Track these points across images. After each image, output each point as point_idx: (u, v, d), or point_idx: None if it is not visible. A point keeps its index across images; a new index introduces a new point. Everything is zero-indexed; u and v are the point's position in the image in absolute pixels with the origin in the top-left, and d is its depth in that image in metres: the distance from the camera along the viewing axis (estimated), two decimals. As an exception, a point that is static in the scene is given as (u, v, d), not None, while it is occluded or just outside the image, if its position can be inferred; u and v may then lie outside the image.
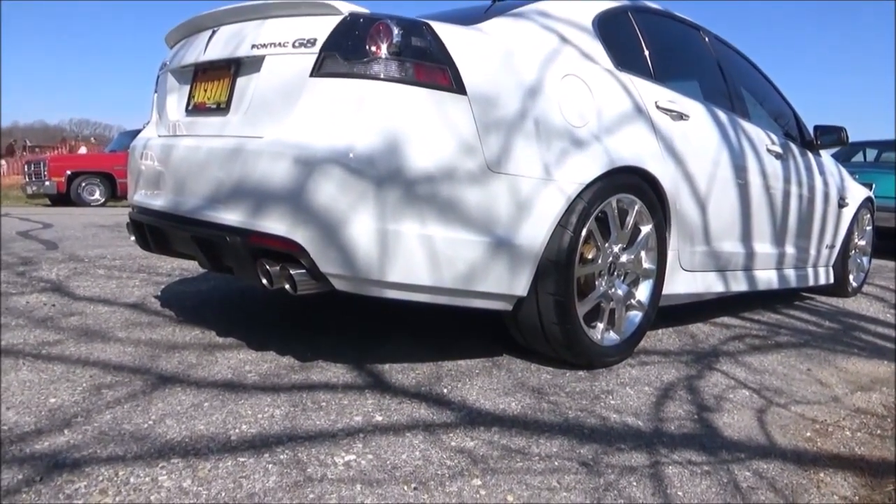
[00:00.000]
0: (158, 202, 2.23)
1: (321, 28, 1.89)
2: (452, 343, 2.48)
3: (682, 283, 2.73)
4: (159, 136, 2.46)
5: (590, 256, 2.28)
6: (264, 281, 1.91)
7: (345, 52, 1.84)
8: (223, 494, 1.32)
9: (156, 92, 2.63)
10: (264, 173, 1.85)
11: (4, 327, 2.37)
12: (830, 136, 3.67)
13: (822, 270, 3.99)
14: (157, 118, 2.55)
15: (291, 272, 1.83)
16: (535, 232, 2.04)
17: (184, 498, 1.30)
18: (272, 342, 2.32)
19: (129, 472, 1.38)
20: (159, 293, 3.05)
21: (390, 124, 1.80)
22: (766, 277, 3.36)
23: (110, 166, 12.61)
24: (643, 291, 2.50)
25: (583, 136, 2.16)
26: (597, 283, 2.30)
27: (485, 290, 2.01)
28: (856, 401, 2.25)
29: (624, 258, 2.38)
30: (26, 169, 12.93)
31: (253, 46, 2.03)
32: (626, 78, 2.43)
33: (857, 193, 4.23)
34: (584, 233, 2.15)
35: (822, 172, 3.77)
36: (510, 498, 1.40)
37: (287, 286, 1.87)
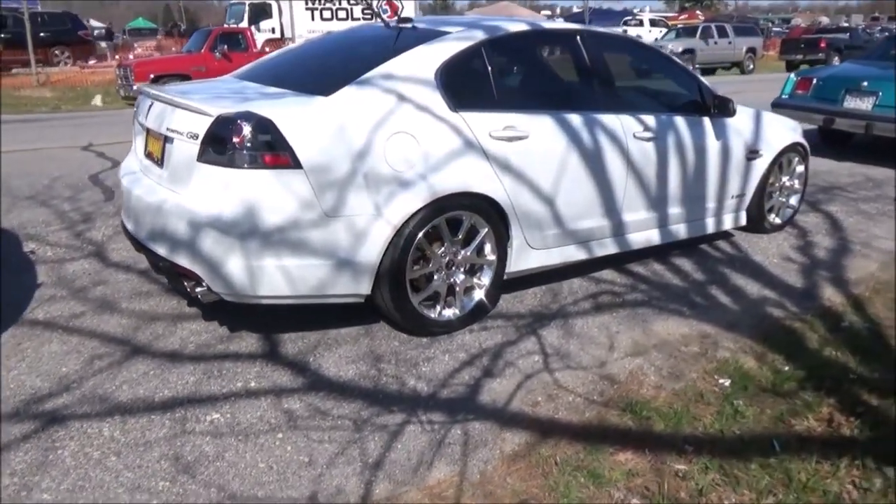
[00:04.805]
0: (129, 225, 3.24)
1: (201, 125, 2.74)
2: (352, 310, 3.38)
3: (535, 259, 3.50)
4: (134, 170, 3.43)
5: (428, 255, 3.11)
6: (188, 290, 2.93)
7: (215, 145, 2.70)
8: (132, 440, 2.42)
9: (134, 122, 3.58)
10: (175, 226, 2.81)
11: (54, 299, 3.56)
12: (723, 107, 4.12)
13: (728, 217, 4.53)
14: (134, 149, 3.51)
15: (197, 289, 2.84)
16: (371, 252, 2.90)
17: (111, 444, 2.40)
18: (220, 313, 3.36)
19: (89, 425, 2.50)
20: (167, 256, 4.14)
21: (247, 198, 2.68)
22: (644, 238, 4.01)
23: (189, 68, 13.77)
24: (486, 275, 3.32)
25: (409, 178, 2.93)
26: (435, 277, 3.15)
27: (336, 293, 2.94)
28: (614, 366, 3.03)
29: (461, 255, 3.20)
30: (117, 73, 14.40)
31: (168, 129, 2.91)
32: (459, 118, 3.10)
33: (776, 143, 4.62)
34: (412, 249, 2.98)
35: (720, 136, 4.21)
36: (289, 448, 2.41)
37: (199, 297, 2.88)
